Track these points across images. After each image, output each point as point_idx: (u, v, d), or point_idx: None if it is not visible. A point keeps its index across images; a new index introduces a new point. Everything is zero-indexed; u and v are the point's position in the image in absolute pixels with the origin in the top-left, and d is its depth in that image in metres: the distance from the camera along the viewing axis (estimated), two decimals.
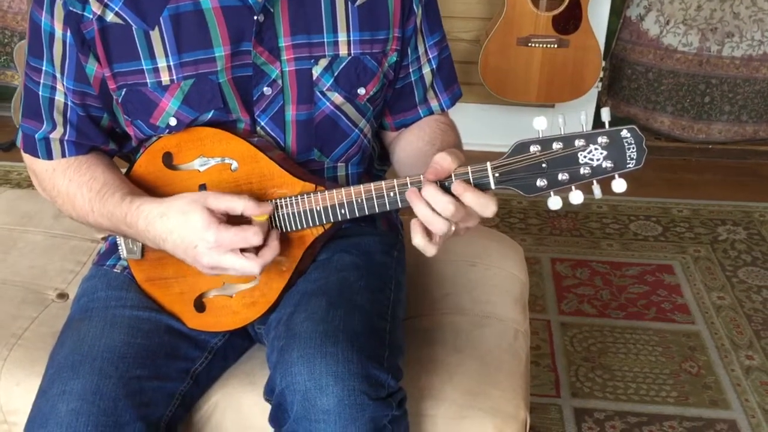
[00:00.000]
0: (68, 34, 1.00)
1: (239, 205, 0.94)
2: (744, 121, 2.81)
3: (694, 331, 1.96)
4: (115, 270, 1.13)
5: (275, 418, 0.97)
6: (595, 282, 2.13)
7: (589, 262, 2.22)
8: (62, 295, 1.30)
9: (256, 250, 0.94)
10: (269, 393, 0.98)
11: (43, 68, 1.03)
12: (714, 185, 2.65)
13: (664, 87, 2.81)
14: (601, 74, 2.58)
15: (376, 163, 1.22)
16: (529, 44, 2.47)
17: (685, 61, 2.76)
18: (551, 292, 2.09)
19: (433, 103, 1.15)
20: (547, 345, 1.90)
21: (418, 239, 0.89)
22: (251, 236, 0.92)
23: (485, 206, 0.86)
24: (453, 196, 0.86)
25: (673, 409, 1.72)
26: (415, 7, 1.08)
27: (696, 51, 2.74)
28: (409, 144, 1.12)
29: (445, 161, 0.88)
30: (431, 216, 0.87)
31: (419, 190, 0.88)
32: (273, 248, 0.95)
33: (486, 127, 2.76)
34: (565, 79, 2.52)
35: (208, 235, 0.92)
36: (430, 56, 1.13)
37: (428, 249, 0.89)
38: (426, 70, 1.13)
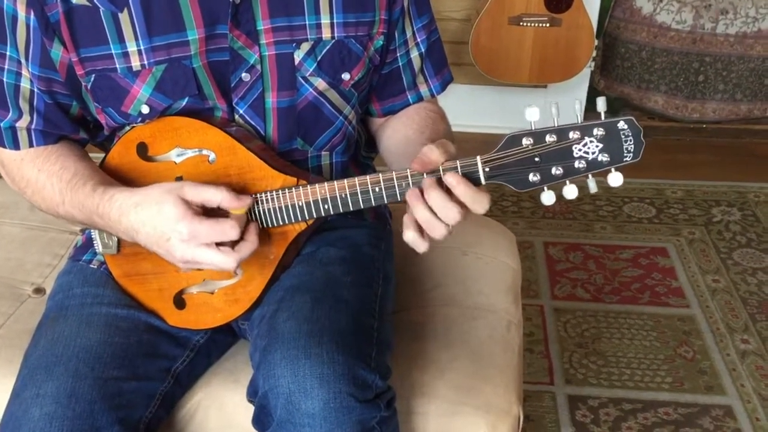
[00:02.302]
0: (32, 17, 0.94)
1: (216, 196, 0.89)
2: (738, 100, 2.77)
3: (689, 315, 1.93)
4: (92, 265, 1.09)
5: (259, 421, 0.93)
6: (588, 266, 2.10)
7: (582, 246, 2.19)
8: (39, 290, 1.25)
9: (233, 244, 0.89)
10: (252, 395, 0.94)
11: (7, 53, 0.97)
12: (708, 165, 2.62)
13: (658, 66, 2.77)
14: (594, 53, 2.53)
15: (362, 150, 1.18)
16: (521, 23, 2.41)
17: (679, 39, 2.72)
18: (544, 277, 2.06)
19: (423, 89, 1.11)
20: (540, 331, 1.87)
21: (410, 235, 0.85)
22: (228, 229, 0.87)
23: (478, 201, 0.82)
24: (461, 204, 0.82)
25: (668, 395, 1.70)
26: None
27: (690, 28, 2.70)
28: (397, 132, 1.07)
29: (432, 153, 0.83)
30: (433, 222, 0.83)
31: (421, 192, 0.83)
32: (251, 243, 0.90)
33: (477, 108, 2.72)
34: (557, 58, 2.47)
35: (182, 226, 0.87)
36: (419, 40, 1.08)
37: (420, 245, 0.85)
38: (414, 54, 1.08)
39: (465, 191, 0.82)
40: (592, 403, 1.67)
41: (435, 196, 0.82)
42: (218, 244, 0.88)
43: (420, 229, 0.84)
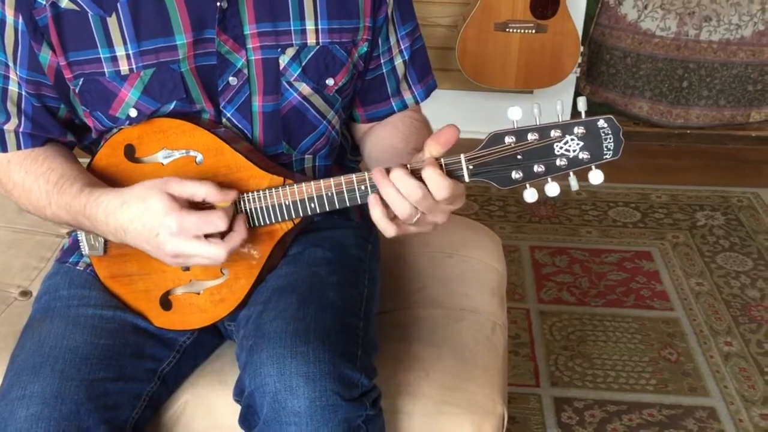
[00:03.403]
0: (20, 20, 0.95)
1: (201, 191, 0.90)
2: (722, 106, 2.81)
3: (673, 317, 1.95)
4: (78, 267, 1.09)
5: (245, 420, 0.94)
6: (574, 269, 2.12)
7: (568, 250, 2.21)
8: (25, 293, 1.25)
9: (222, 236, 0.90)
10: (238, 394, 0.95)
11: None
12: (692, 170, 2.65)
13: (643, 72, 2.80)
14: (580, 59, 2.55)
15: (349, 154, 1.19)
16: (507, 29, 2.44)
17: (663, 46, 2.75)
18: (530, 280, 2.07)
19: (407, 96, 1.12)
20: (526, 334, 1.88)
21: (376, 214, 0.85)
22: (216, 220, 0.88)
23: (440, 187, 0.82)
24: (421, 180, 0.83)
25: (652, 397, 1.71)
26: None
27: (674, 35, 2.73)
28: (382, 140, 1.08)
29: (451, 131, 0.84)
30: (397, 199, 0.84)
31: (387, 172, 0.84)
32: (240, 232, 0.91)
33: (464, 113, 2.73)
34: (543, 64, 2.49)
35: (170, 220, 0.88)
36: (402, 47, 1.09)
37: (388, 229, 0.86)
38: (398, 62, 1.10)
39: (431, 173, 0.82)
40: (578, 405, 1.69)
41: (398, 174, 0.83)
42: (207, 237, 0.89)
43: (388, 212, 0.85)
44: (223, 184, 0.95)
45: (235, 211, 0.92)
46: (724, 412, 1.67)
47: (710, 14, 2.69)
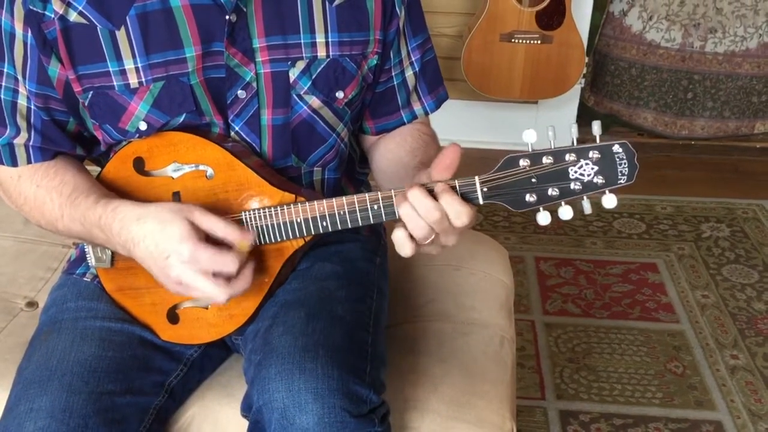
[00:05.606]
0: (29, 34, 0.95)
1: (222, 228, 0.89)
2: (726, 117, 2.81)
3: (679, 330, 1.95)
4: (86, 279, 1.09)
5: None
6: (579, 281, 2.12)
7: (573, 261, 2.20)
8: (32, 304, 1.25)
9: (228, 278, 0.90)
10: (246, 410, 0.94)
11: (4, 70, 0.98)
12: (697, 182, 2.65)
13: (647, 83, 2.80)
14: (585, 70, 2.56)
15: (357, 166, 1.18)
16: (513, 40, 2.44)
17: (668, 57, 2.75)
18: (535, 292, 2.07)
19: (417, 107, 1.12)
20: (531, 346, 1.88)
21: (399, 232, 0.84)
22: (228, 262, 0.88)
23: (459, 214, 0.83)
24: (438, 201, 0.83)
25: (659, 410, 1.70)
26: (397, 9, 1.04)
27: (679, 47, 2.73)
28: (390, 152, 1.08)
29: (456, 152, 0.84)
30: (415, 218, 0.83)
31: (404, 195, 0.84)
32: (245, 281, 0.90)
33: (469, 123, 2.74)
34: (548, 75, 2.49)
35: (184, 248, 0.87)
36: (413, 59, 1.09)
37: (405, 246, 0.85)
38: (409, 74, 1.10)
39: (450, 200, 0.82)
40: (584, 419, 1.68)
41: (416, 194, 0.83)
42: (214, 275, 0.89)
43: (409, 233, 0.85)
44: (233, 199, 0.96)
45: (245, 261, 0.91)
46: (731, 426, 1.66)
47: (715, 26, 2.70)
